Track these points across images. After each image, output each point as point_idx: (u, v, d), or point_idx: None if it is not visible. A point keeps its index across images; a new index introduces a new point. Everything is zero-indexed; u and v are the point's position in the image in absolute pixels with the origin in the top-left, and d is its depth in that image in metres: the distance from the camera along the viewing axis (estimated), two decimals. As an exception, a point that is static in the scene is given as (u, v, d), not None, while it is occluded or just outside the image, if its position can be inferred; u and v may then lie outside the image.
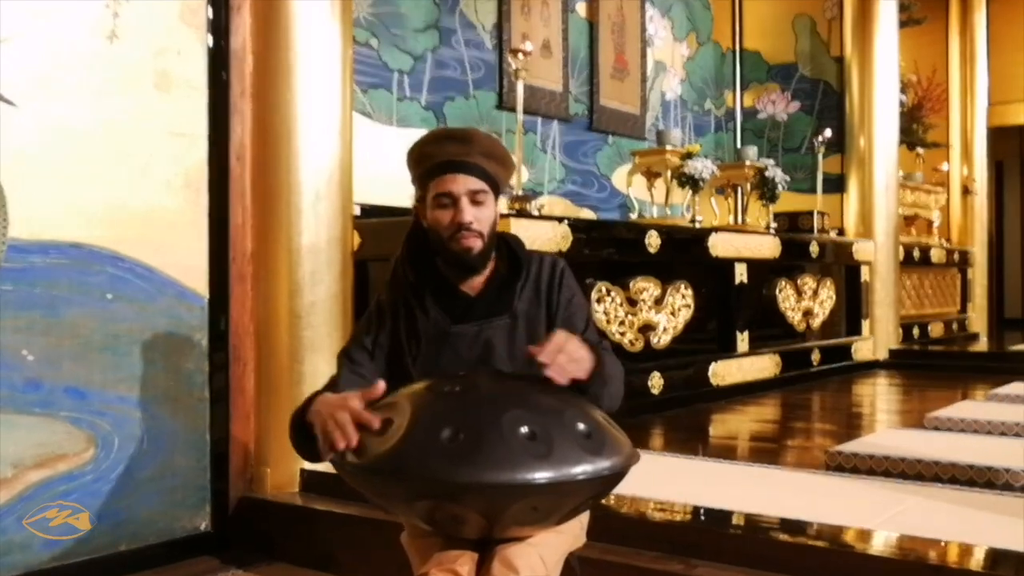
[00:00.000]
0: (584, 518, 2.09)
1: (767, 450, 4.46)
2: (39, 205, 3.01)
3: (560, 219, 4.89)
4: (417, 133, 5.96)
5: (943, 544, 2.48)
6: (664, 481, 3.29)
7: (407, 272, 2.08)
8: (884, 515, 2.85)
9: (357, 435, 1.75)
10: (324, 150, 3.58)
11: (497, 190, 2.07)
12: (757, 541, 2.57)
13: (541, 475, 1.66)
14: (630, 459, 1.83)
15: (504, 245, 2.13)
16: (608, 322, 5.17)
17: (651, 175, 6.27)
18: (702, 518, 2.83)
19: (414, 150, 2.06)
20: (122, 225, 3.20)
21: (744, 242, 6.22)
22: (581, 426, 1.77)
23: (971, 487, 3.33)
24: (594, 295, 5.09)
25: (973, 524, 2.77)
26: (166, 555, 3.31)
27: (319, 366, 3.52)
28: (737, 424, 5.29)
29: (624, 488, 2.75)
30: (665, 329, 5.56)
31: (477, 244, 2.00)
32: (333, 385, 2.08)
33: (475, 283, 2.07)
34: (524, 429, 1.70)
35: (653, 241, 5.40)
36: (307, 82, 3.56)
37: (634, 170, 6.39)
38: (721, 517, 2.81)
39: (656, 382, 5.38)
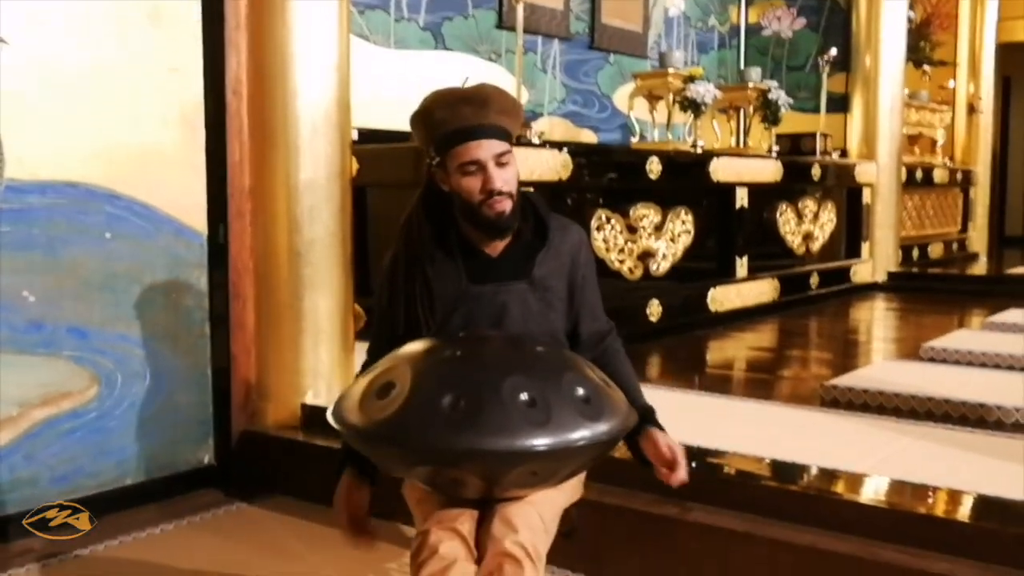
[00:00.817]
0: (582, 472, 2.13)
1: (763, 382, 4.51)
2: (34, 144, 2.98)
3: (560, 146, 4.85)
4: (415, 55, 5.95)
5: (929, 491, 2.52)
6: (659, 418, 3.32)
7: (424, 233, 2.06)
8: (875, 456, 2.90)
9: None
10: (321, 83, 3.52)
11: (513, 143, 2.06)
12: (750, 487, 2.62)
13: (540, 442, 1.69)
14: (627, 421, 1.86)
15: (529, 206, 2.13)
16: (607, 250, 5.16)
17: (653, 98, 6.19)
18: (695, 463, 2.86)
19: (424, 114, 2.01)
20: (119, 163, 3.18)
21: (745, 166, 6.18)
22: (580, 391, 1.79)
23: (963, 425, 3.37)
24: (593, 223, 5.07)
25: (961, 467, 2.82)
26: (171, 488, 3.37)
27: (319, 302, 3.54)
28: (734, 352, 5.33)
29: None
30: (664, 256, 5.56)
31: (508, 206, 2.00)
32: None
33: (497, 244, 2.07)
34: (524, 396, 1.72)
35: (654, 167, 5.35)
36: (303, 12, 3.47)
37: (635, 92, 6.31)
38: (716, 460, 2.85)
39: (655, 309, 5.40)
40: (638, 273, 5.39)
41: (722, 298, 5.99)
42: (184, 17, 3.33)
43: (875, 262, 7.78)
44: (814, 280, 6.99)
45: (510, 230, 2.04)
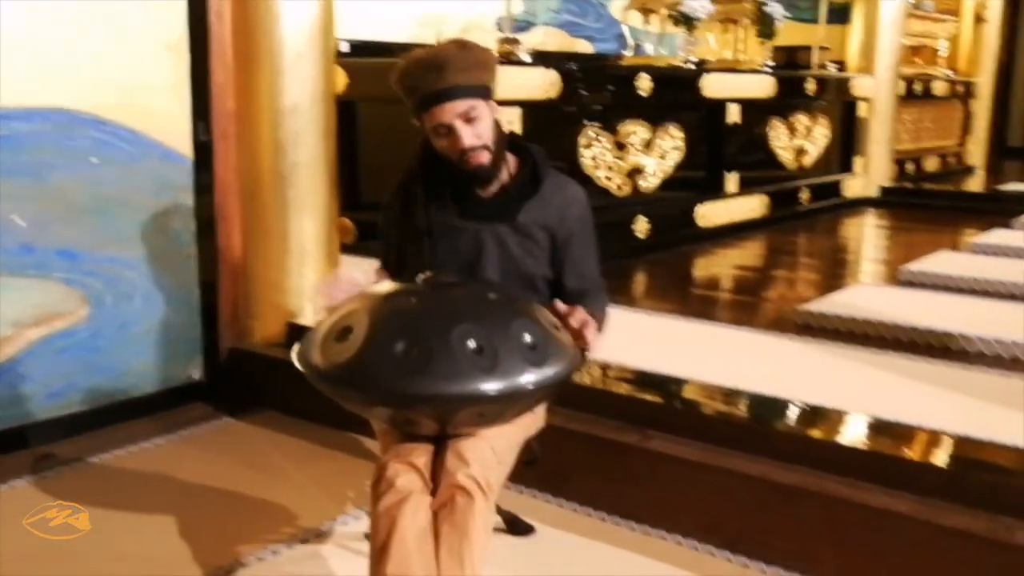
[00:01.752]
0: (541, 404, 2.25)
1: (743, 304, 4.61)
2: (19, 71, 3.02)
3: (549, 64, 4.84)
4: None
5: (875, 425, 2.66)
6: (634, 342, 3.44)
7: (421, 171, 2.23)
8: (837, 387, 3.01)
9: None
10: (304, 6, 3.53)
11: (487, 92, 2.14)
12: (706, 417, 2.76)
13: (486, 387, 1.80)
14: (573, 365, 1.96)
15: (529, 157, 2.25)
16: (596, 167, 5.21)
17: (647, 11, 6.14)
18: (661, 398, 2.97)
19: (398, 81, 2.12)
20: (103, 89, 3.23)
21: (737, 81, 6.16)
22: (527, 338, 1.89)
23: (928, 354, 3.47)
24: (582, 140, 5.10)
25: (919, 400, 2.92)
26: (163, 402, 3.52)
27: (304, 224, 3.63)
28: (718, 270, 5.42)
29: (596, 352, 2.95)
30: (654, 172, 5.60)
31: (485, 157, 2.12)
32: None
33: (489, 187, 2.20)
34: (472, 343, 1.83)
35: (644, 84, 5.36)
36: (285, -68, 3.47)
37: (630, 5, 6.25)
38: (676, 390, 2.98)
39: (641, 226, 5.47)
40: (626, 190, 5.44)
41: (710, 214, 6.05)
42: (165, -60, 3.33)
43: (868, 177, 7.80)
44: (805, 196, 7.02)
45: (492, 178, 2.17)
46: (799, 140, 6.95)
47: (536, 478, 2.85)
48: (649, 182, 5.59)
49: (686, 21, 5.87)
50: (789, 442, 2.58)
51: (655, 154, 5.59)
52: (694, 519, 2.58)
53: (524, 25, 6.42)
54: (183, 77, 3.43)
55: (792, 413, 2.76)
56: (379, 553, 1.89)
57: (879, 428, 2.64)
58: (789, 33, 7.37)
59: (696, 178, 6.08)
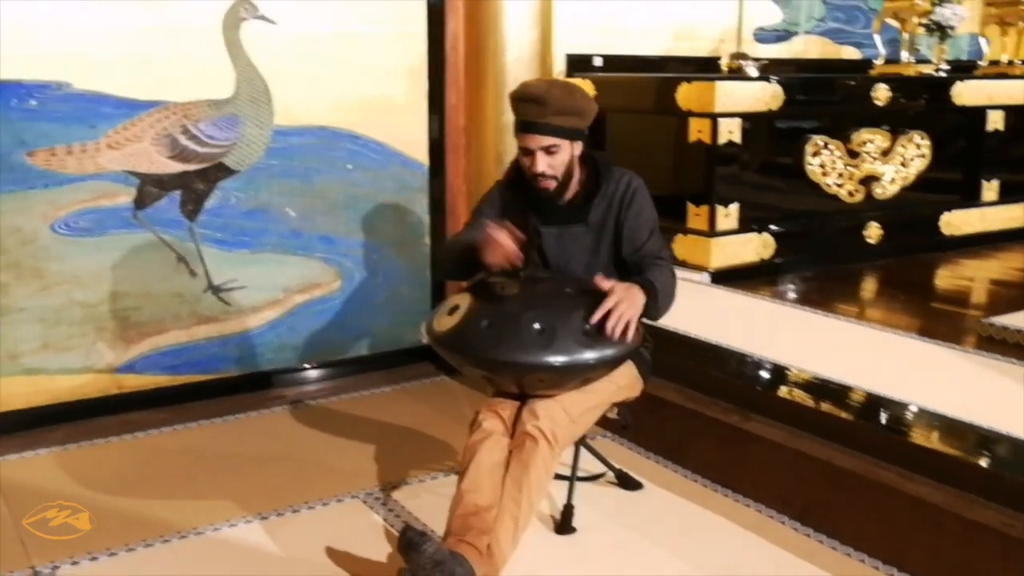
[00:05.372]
0: (627, 377, 2.77)
1: (944, 315, 4.61)
2: (294, 98, 3.97)
3: (769, 78, 5.14)
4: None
5: (936, 424, 2.87)
6: (804, 342, 3.77)
7: (517, 180, 2.80)
8: (967, 395, 3.11)
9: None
10: (524, 39, 4.23)
11: (574, 135, 2.65)
12: (791, 403, 3.12)
13: (540, 359, 2.39)
14: (622, 351, 2.48)
15: (593, 163, 2.76)
16: (824, 174, 5.42)
17: (901, 20, 6.17)
18: (760, 385, 3.33)
19: (511, 100, 2.67)
20: (358, 110, 4.11)
21: (999, 88, 6.02)
22: (586, 326, 2.44)
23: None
24: (809, 148, 5.32)
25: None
26: (396, 359, 4.39)
27: (517, 221, 4.32)
28: (946, 280, 5.39)
29: (741, 342, 3.50)
30: (892, 180, 5.68)
31: (551, 185, 2.67)
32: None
33: (564, 196, 2.74)
34: (536, 326, 2.42)
35: (880, 95, 5.48)
36: (511, -21, 4.17)
37: (882, 16, 6.30)
38: (773, 378, 3.34)
39: (873, 232, 5.59)
40: (859, 197, 5.57)
41: (959, 222, 5.98)
42: (412, -11, 4.15)
43: None
44: (1091, 203, 6.64)
45: (554, 201, 2.69)
46: (1088, 145, 6.60)
47: (661, 445, 3.36)
48: (886, 189, 5.68)
49: (939, 30, 5.87)
50: (854, 431, 2.89)
51: (895, 161, 5.68)
52: (773, 492, 2.97)
53: (784, 35, 6.65)
54: (421, 98, 4.25)
55: (859, 405, 3.04)
56: (461, 475, 2.53)
57: (936, 428, 2.87)
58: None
59: (944, 185, 6.03)
